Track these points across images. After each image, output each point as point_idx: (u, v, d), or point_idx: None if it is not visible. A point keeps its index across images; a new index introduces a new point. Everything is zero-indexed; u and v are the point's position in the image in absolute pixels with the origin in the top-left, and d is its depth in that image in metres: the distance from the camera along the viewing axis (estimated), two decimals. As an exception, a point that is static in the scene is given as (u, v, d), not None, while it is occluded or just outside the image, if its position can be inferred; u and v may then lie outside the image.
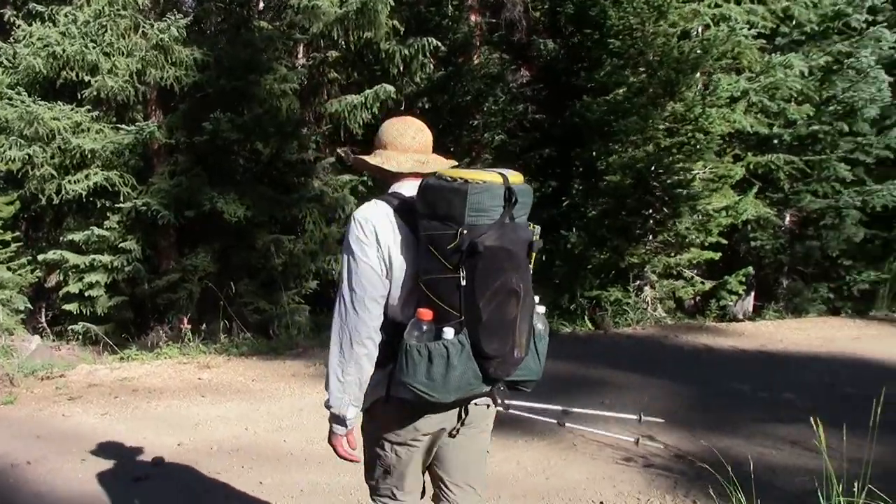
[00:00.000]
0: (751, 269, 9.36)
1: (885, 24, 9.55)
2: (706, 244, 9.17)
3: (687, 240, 9.07)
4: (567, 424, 3.44)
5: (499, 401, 2.26)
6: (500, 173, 2.08)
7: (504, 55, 11.51)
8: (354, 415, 2.24)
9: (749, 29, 8.65)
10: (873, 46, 9.33)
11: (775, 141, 9.84)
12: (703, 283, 9.28)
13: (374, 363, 2.19)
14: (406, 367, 2.06)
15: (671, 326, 8.50)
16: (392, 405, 2.18)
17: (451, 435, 2.31)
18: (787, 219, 10.57)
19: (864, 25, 9.58)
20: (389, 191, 2.29)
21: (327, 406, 2.24)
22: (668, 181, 8.77)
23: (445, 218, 2.04)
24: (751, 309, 10.44)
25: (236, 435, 4.79)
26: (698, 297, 9.70)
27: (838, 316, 9.53)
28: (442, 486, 2.44)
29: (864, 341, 7.66)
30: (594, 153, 9.61)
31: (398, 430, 2.26)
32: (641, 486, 3.98)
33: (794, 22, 9.61)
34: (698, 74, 8.70)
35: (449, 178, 2.05)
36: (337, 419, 2.24)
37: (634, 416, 3.93)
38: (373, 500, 2.45)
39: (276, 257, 8.55)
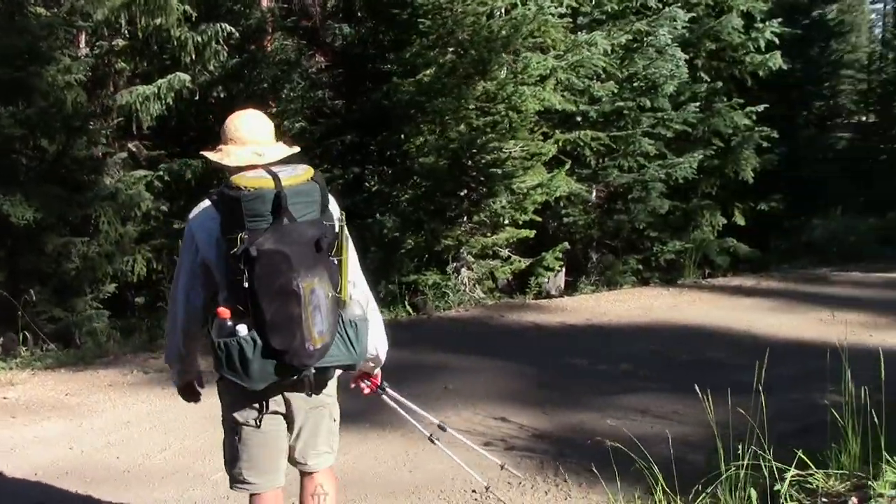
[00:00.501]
0: (566, 244, 9.99)
1: (679, 4, 10.48)
2: (521, 223, 9.66)
3: (503, 219, 9.50)
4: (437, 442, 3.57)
5: (308, 390, 2.52)
6: (274, 177, 2.35)
7: (301, 41, 11.56)
8: (178, 374, 2.80)
9: (557, 7, 9.15)
10: (669, 25, 10.24)
11: (579, 118, 10.52)
12: (520, 261, 9.78)
13: (190, 349, 2.68)
14: (216, 360, 2.39)
15: (494, 306, 8.95)
16: (225, 384, 2.52)
17: (288, 419, 2.62)
18: (594, 194, 11.37)
19: (660, 6, 10.47)
20: (220, 188, 2.47)
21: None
22: (483, 161, 9.14)
23: (232, 224, 2.34)
24: (563, 285, 11.14)
25: (61, 457, 4.56)
26: (511, 277, 10.21)
27: (648, 286, 10.43)
28: (297, 463, 2.75)
29: (681, 308, 8.49)
30: (403, 136, 9.81)
31: (237, 409, 2.57)
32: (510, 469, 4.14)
33: (594, 1, 10.31)
34: (508, 53, 9.07)
35: (232, 186, 2.34)
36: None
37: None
38: (231, 488, 2.72)
39: (69, 261, 8.03)
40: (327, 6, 12.06)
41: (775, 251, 12.13)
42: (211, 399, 5.66)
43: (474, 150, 9.01)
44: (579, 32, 9.87)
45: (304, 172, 2.45)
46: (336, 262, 2.50)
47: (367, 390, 3.03)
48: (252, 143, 2.55)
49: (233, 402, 2.59)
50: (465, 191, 9.39)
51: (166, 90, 8.86)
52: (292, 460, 2.76)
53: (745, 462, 3.01)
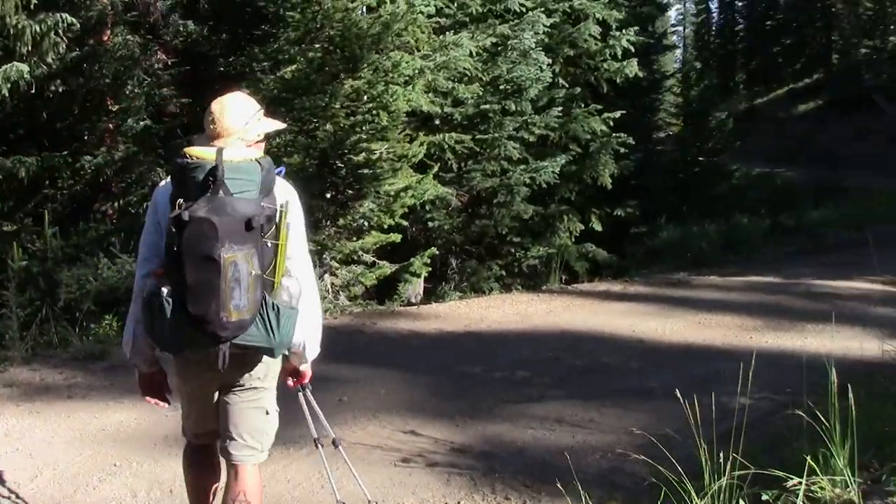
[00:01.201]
0: (434, 250, 10.42)
1: (541, 9, 11.23)
2: (387, 227, 9.98)
3: (371, 222, 9.78)
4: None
5: (221, 361, 2.76)
6: (218, 150, 2.69)
7: (147, 35, 11.47)
8: (131, 355, 3.01)
9: (426, 7, 9.59)
10: (532, 30, 10.94)
11: (437, 121, 11.00)
12: (386, 267, 10.09)
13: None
14: (143, 319, 2.79)
15: (363, 314, 9.23)
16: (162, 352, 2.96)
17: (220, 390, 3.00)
18: (455, 198, 11.87)
19: (523, 10, 11.17)
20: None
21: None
22: (352, 162, 9.42)
23: (177, 191, 2.70)
24: (421, 292, 11.54)
25: None
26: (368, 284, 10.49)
27: (513, 292, 11.04)
28: (221, 448, 3.08)
29: (558, 314, 9.11)
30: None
31: (178, 370, 2.97)
32: (441, 489, 4.31)
33: (457, 3, 10.85)
34: (378, 52, 9.40)
35: (183, 155, 2.71)
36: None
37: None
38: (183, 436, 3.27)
39: None
40: (168, 2, 12.04)
41: (632, 257, 13.15)
42: (81, 414, 5.60)
43: (343, 151, 9.26)
44: (446, 33, 10.33)
45: (249, 152, 2.80)
46: (270, 244, 2.75)
47: (290, 384, 3.27)
48: (236, 131, 2.87)
49: (176, 364, 2.97)
50: (332, 193, 9.60)
51: (2, 81, 8.52)
52: (220, 449, 3.10)
53: (732, 471, 3.21)
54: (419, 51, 10.15)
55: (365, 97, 9.27)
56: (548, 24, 11.37)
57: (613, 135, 12.30)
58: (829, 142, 38.56)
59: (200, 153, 2.70)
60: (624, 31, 12.57)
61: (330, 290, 9.68)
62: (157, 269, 2.79)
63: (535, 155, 11.88)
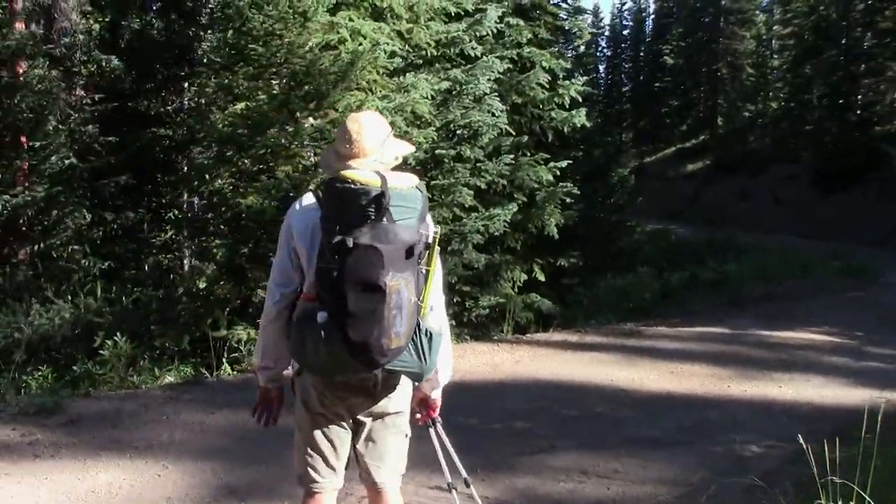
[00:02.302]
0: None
1: (496, 55, 11.29)
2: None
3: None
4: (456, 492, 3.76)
5: (373, 388, 2.86)
6: (381, 176, 2.69)
7: (73, 69, 11.01)
8: (263, 377, 3.10)
9: (390, 46, 9.47)
10: (487, 75, 10.97)
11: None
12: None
13: (280, 344, 2.94)
14: (290, 342, 2.82)
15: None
16: (302, 377, 2.95)
17: (356, 423, 3.01)
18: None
19: (478, 54, 11.19)
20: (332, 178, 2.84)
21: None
22: (315, 204, 9.08)
23: (334, 215, 2.68)
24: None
25: None
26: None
27: (464, 342, 10.86)
28: (363, 471, 3.11)
29: (526, 364, 9.05)
30: (206, 175, 9.51)
31: (307, 401, 2.96)
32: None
33: (414, 45, 10.77)
34: (343, 90, 9.18)
35: (341, 179, 2.69)
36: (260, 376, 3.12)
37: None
38: (300, 486, 3.12)
39: None
40: (93, 35, 11.71)
41: (577, 306, 13.21)
42: (61, 476, 5.19)
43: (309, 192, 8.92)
44: (406, 75, 10.21)
45: (409, 179, 2.79)
46: (424, 271, 2.84)
47: (420, 421, 3.34)
48: (374, 152, 2.90)
49: (304, 393, 2.97)
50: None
51: None
52: (362, 473, 3.12)
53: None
54: (373, 92, 10.00)
55: (331, 137, 8.99)
56: (501, 70, 11.43)
57: (559, 184, 12.39)
58: (715, 200, 40.60)
59: (365, 179, 2.68)
60: (572, 80, 12.82)
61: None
62: (306, 293, 2.81)
63: (483, 203, 11.83)
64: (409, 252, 2.71)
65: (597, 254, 15.95)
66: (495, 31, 11.81)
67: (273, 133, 8.91)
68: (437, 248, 2.87)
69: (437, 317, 2.97)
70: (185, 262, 13.01)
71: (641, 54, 60.54)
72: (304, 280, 2.87)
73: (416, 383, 3.12)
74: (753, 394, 7.86)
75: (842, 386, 8.22)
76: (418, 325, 2.80)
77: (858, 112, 35.05)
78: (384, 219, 2.65)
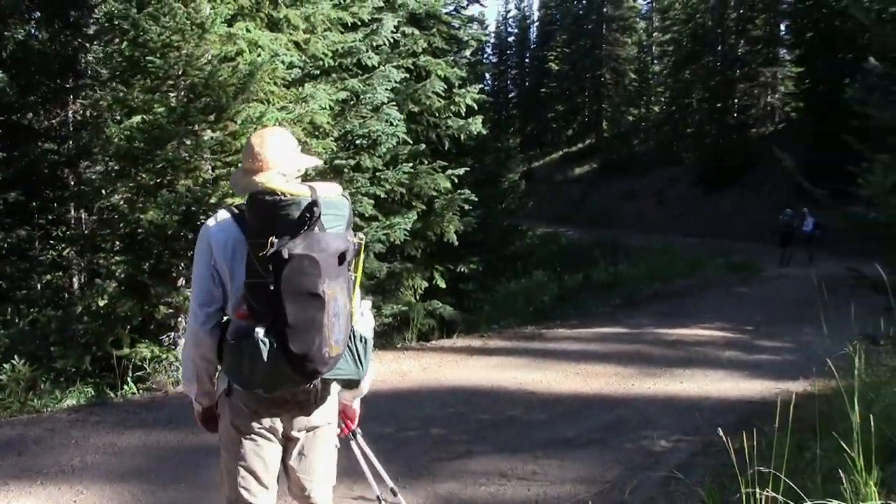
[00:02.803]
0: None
1: (393, 64, 11.47)
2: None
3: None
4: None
5: (314, 396, 2.86)
6: (310, 187, 2.73)
7: None
8: (195, 399, 3.03)
9: (289, 57, 9.54)
10: (384, 84, 11.15)
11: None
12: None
13: (209, 362, 2.91)
14: (225, 362, 2.79)
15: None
16: (232, 398, 2.88)
17: (287, 438, 2.95)
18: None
19: (375, 64, 11.36)
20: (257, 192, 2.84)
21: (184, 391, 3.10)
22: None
23: (263, 228, 2.66)
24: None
25: None
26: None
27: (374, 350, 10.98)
28: (295, 486, 3.07)
29: (434, 370, 9.22)
30: (103, 191, 9.38)
31: (240, 422, 2.89)
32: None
33: (311, 55, 10.85)
34: (242, 102, 9.20)
35: (270, 193, 2.69)
36: (193, 402, 3.07)
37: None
38: None
39: None
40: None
41: (478, 311, 13.51)
42: None
43: (210, 205, 8.90)
44: (304, 86, 10.28)
45: (335, 188, 2.86)
46: (353, 277, 2.88)
47: (342, 433, 3.34)
48: (277, 165, 2.89)
49: (234, 413, 2.89)
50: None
51: None
52: (293, 488, 3.07)
53: None
54: (271, 103, 10.02)
55: (232, 149, 9.00)
56: (398, 80, 11.62)
57: (457, 192, 12.66)
58: (602, 203, 41.91)
59: (294, 190, 2.71)
60: (468, 88, 13.11)
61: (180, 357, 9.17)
62: (238, 310, 2.76)
63: (383, 212, 11.99)
64: (341, 259, 2.73)
65: (493, 259, 16.31)
66: (391, 40, 12.00)
67: (172, 146, 8.84)
68: (363, 253, 2.92)
69: (367, 321, 3.00)
70: (76, 280, 12.69)
71: (527, 61, 61.83)
72: (226, 297, 2.86)
73: (357, 388, 3.12)
74: (657, 390, 8.22)
75: (739, 379, 8.69)
76: (352, 330, 2.85)
77: (735, 115, 36.80)
78: (316, 228, 2.67)
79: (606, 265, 20.28)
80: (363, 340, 2.91)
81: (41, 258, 11.46)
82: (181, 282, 9.20)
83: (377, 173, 11.39)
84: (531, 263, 19.79)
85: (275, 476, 3.00)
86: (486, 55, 59.37)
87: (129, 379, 8.59)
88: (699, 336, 11.31)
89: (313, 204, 2.66)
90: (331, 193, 2.80)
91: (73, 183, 12.59)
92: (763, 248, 25.53)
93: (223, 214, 2.90)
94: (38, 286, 10.90)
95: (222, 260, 2.81)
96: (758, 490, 3.25)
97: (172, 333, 9.29)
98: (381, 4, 11.94)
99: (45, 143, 11.84)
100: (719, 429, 3.95)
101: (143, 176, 9.12)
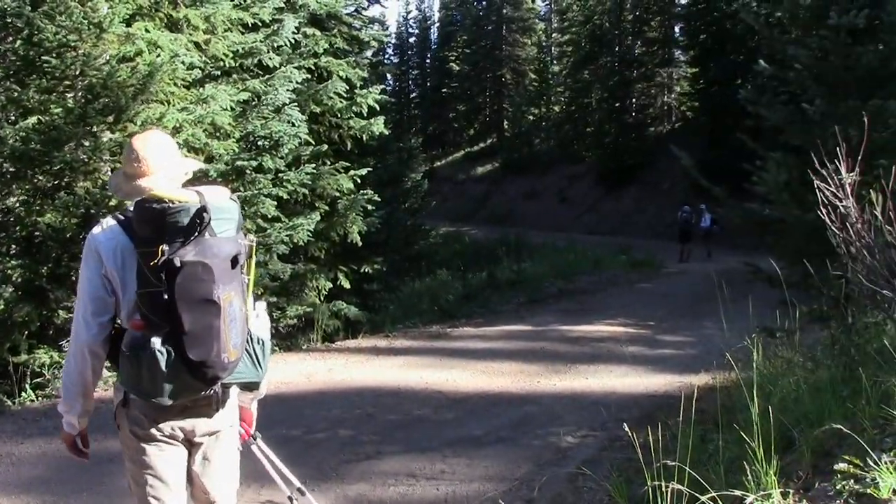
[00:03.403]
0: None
1: (294, 65, 11.58)
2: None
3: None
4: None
5: (215, 407, 2.90)
6: (197, 192, 2.77)
7: None
8: (78, 417, 2.93)
9: (189, 58, 9.57)
10: (286, 85, 11.25)
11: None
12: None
13: (95, 379, 2.88)
14: (122, 373, 2.76)
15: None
16: (130, 407, 2.85)
17: (190, 443, 2.96)
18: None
19: (276, 65, 11.45)
20: (129, 206, 2.89)
21: (60, 409, 2.94)
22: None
23: (152, 236, 2.67)
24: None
25: None
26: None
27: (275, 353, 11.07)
28: (199, 491, 3.07)
29: (340, 372, 9.37)
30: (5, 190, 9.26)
31: (141, 430, 2.86)
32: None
33: (211, 56, 10.87)
34: (142, 102, 9.19)
35: (157, 200, 2.69)
36: (66, 419, 2.95)
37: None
38: None
39: None
40: None
41: (383, 311, 13.71)
42: None
43: (110, 207, 8.86)
44: (205, 86, 10.32)
45: (223, 191, 2.92)
46: (245, 280, 2.92)
47: (242, 437, 3.35)
48: (162, 168, 2.91)
49: (133, 424, 2.87)
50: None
51: None
52: (197, 494, 3.09)
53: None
54: (171, 104, 10.01)
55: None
56: (300, 80, 11.73)
57: (360, 192, 12.84)
58: (505, 201, 42.61)
59: (181, 196, 2.72)
60: (370, 89, 13.31)
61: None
62: (133, 320, 2.75)
63: (285, 213, 12.08)
64: (234, 263, 2.77)
65: (397, 259, 16.54)
66: (292, 41, 12.10)
67: (70, 148, 8.78)
68: (255, 255, 2.97)
69: (263, 323, 3.04)
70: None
71: (428, 61, 62.28)
72: (118, 307, 2.83)
73: (257, 390, 3.19)
74: (563, 387, 8.50)
75: (643, 374, 9.04)
76: (249, 333, 2.89)
77: (633, 114, 37.97)
78: (206, 233, 2.68)
79: (510, 263, 20.68)
80: (260, 342, 2.95)
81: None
82: (80, 286, 9.13)
83: (279, 174, 11.45)
84: (435, 262, 20.16)
85: (184, 480, 3.01)
86: (387, 56, 59.84)
87: (26, 386, 8.49)
88: (603, 332, 11.71)
89: (202, 209, 2.68)
90: (219, 197, 2.82)
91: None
92: (662, 245, 26.42)
93: (109, 221, 2.87)
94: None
95: (113, 269, 2.78)
96: (663, 483, 3.36)
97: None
98: (282, 5, 12.02)
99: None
100: (624, 424, 4.22)
101: (40, 178, 9.02)
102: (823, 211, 4.64)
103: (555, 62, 50.47)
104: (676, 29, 39.50)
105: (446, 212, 38.54)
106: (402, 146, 23.32)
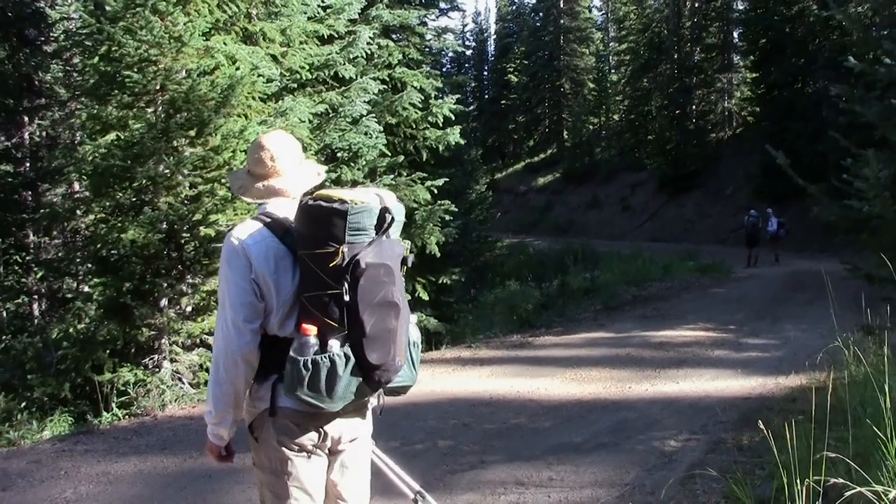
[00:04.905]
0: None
1: (371, 76, 11.24)
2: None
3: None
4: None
5: (380, 406, 2.82)
6: (376, 194, 2.61)
7: None
8: (228, 428, 2.73)
9: (269, 70, 9.26)
10: (362, 96, 10.91)
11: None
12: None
13: (249, 382, 2.65)
14: (293, 380, 2.50)
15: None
16: (278, 417, 2.63)
17: (332, 451, 2.77)
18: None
19: (352, 76, 11.11)
20: (260, 210, 2.74)
21: (208, 419, 2.72)
22: (201, 235, 8.75)
23: (327, 237, 2.50)
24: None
25: None
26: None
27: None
28: (335, 499, 2.87)
29: (427, 383, 9.06)
30: (77, 211, 9.04)
31: (289, 440, 2.66)
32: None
33: (287, 68, 10.58)
34: (224, 116, 8.90)
35: (329, 200, 2.52)
36: (215, 430, 2.74)
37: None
38: None
39: None
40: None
41: (461, 323, 13.27)
42: None
43: (192, 224, 8.57)
44: (283, 99, 10.02)
45: (392, 193, 2.72)
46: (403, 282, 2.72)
47: None
48: (293, 170, 2.82)
49: (282, 434, 2.65)
50: (179, 270, 8.81)
51: None
52: (331, 502, 2.87)
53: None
54: (249, 117, 9.73)
55: (214, 164, 8.66)
56: (376, 91, 11.40)
57: (437, 203, 12.43)
58: (566, 211, 42.04)
59: (362, 197, 2.56)
60: (444, 99, 12.93)
61: (167, 380, 8.82)
62: (304, 325, 2.53)
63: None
64: (402, 265, 2.67)
65: (467, 270, 16.14)
66: (367, 52, 11.77)
67: (152, 163, 8.50)
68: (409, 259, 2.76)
69: (415, 327, 2.87)
70: (35, 306, 12.20)
71: (486, 73, 62.00)
72: (267, 312, 2.63)
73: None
74: (655, 392, 8.08)
75: (732, 377, 8.60)
76: (409, 336, 2.75)
77: (694, 121, 37.11)
78: (383, 235, 2.57)
79: (580, 271, 20.15)
80: (416, 345, 2.80)
81: (5, 283, 10.94)
82: (164, 302, 8.85)
83: (358, 185, 11.10)
84: (501, 273, 19.73)
85: (323, 490, 2.81)
86: (446, 69, 59.77)
87: (112, 405, 8.22)
88: (685, 337, 11.18)
89: (385, 210, 2.57)
90: (393, 199, 2.68)
91: (33, 206, 12.13)
92: (727, 250, 25.72)
93: (253, 225, 2.67)
94: (3, 313, 10.40)
95: (265, 273, 2.59)
96: (798, 480, 3.15)
97: (156, 356, 8.91)
98: (356, 17, 11.69)
99: (2, 164, 11.39)
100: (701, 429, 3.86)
101: (121, 194, 8.76)
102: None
103: (613, 71, 49.75)
104: (735, 34, 38.55)
105: (508, 223, 38.08)
106: (465, 158, 22.96)
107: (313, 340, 2.51)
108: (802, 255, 23.57)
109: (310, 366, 2.49)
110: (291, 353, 2.51)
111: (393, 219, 2.58)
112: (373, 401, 2.85)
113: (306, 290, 2.56)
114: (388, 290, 2.54)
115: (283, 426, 2.65)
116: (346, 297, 2.48)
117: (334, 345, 2.50)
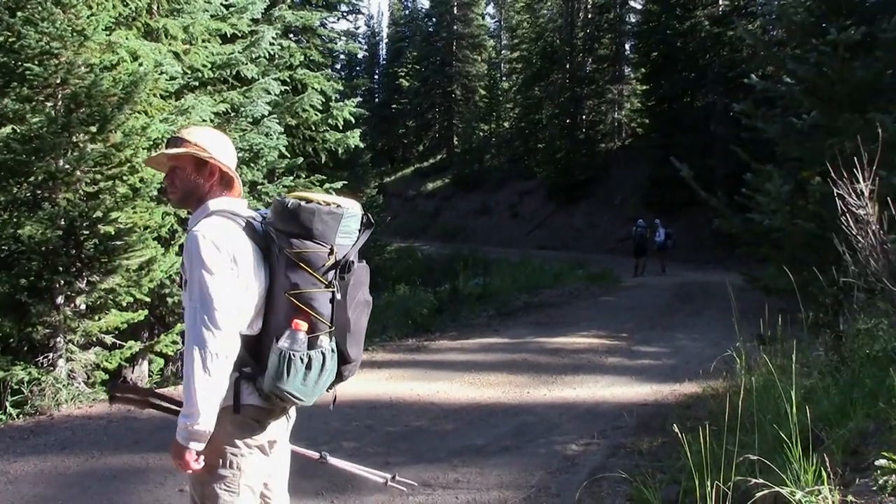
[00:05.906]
0: (182, 325, 10.03)
1: (272, 77, 11.53)
2: (125, 304, 9.47)
3: (112, 300, 9.23)
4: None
5: (333, 400, 3.01)
6: (354, 201, 2.85)
7: None
8: (209, 422, 2.64)
9: (173, 68, 9.48)
10: (264, 97, 11.20)
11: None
12: (131, 348, 9.50)
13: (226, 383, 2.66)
14: (287, 375, 2.59)
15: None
16: (241, 413, 2.70)
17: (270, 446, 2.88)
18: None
19: (254, 76, 11.38)
20: (219, 207, 2.79)
21: (191, 423, 2.58)
22: (101, 233, 8.88)
23: (322, 238, 2.67)
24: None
25: None
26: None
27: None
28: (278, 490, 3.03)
29: (326, 385, 9.22)
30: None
31: (248, 438, 2.74)
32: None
33: (189, 66, 10.78)
34: (127, 112, 9.05)
35: (319, 202, 2.69)
36: (198, 435, 2.61)
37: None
38: None
39: None
40: None
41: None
42: None
43: (94, 219, 8.69)
44: (185, 97, 10.22)
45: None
46: None
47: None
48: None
49: (241, 429, 2.72)
50: (77, 267, 8.91)
51: None
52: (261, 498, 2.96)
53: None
54: (148, 115, 9.88)
55: (115, 161, 8.82)
56: (278, 93, 11.68)
57: (336, 205, 12.71)
58: (456, 217, 42.72)
59: (342, 201, 2.78)
60: (345, 101, 13.30)
61: (63, 378, 8.90)
62: (296, 321, 2.63)
63: (262, 225, 11.96)
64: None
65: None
66: (270, 52, 12.04)
67: (52, 158, 8.59)
68: None
69: None
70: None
71: (377, 77, 62.31)
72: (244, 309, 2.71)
73: None
74: (553, 397, 8.50)
75: (627, 384, 9.06)
76: None
77: (584, 131, 38.44)
78: (360, 239, 2.77)
79: (470, 277, 20.68)
80: None
81: None
82: (60, 300, 8.92)
83: (258, 186, 11.39)
84: (390, 278, 20.07)
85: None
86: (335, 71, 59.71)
87: (6, 403, 8.25)
88: (579, 344, 11.75)
89: (367, 215, 2.81)
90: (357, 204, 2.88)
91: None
92: (615, 259, 26.67)
93: (226, 223, 2.72)
94: None
95: (246, 270, 2.68)
96: (708, 482, 3.39)
97: (51, 354, 8.95)
98: (259, 16, 11.96)
99: None
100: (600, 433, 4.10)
101: (17, 189, 8.80)
102: (844, 218, 4.74)
103: (504, 79, 50.93)
104: (627, 46, 40.17)
105: (397, 228, 38.42)
106: (359, 161, 23.29)
107: (303, 336, 2.63)
108: (688, 266, 24.71)
109: (305, 359, 2.61)
110: (282, 348, 2.59)
111: (373, 224, 2.84)
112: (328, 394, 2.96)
113: (293, 287, 2.65)
114: (365, 288, 2.79)
115: (245, 424, 2.72)
116: (338, 296, 2.66)
117: (324, 339, 2.66)
